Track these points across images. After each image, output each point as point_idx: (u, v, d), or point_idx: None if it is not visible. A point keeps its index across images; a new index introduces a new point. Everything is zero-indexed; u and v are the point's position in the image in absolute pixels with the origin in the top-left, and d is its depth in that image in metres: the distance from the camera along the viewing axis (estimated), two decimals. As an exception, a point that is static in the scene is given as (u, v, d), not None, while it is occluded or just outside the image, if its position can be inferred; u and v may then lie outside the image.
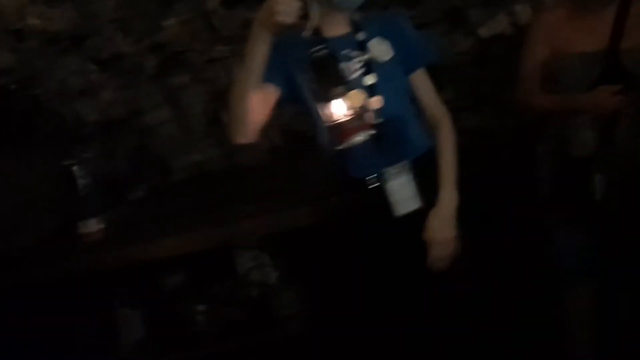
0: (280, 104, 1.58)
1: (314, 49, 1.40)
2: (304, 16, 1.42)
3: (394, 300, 1.61)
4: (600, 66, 1.85)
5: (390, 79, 1.59)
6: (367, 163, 1.57)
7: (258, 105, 1.49)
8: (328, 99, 1.41)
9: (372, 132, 1.43)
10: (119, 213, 2.22)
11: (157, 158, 2.70)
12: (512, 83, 2.08)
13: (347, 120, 1.41)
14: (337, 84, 1.41)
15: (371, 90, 1.56)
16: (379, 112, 1.56)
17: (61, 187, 1.97)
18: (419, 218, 1.59)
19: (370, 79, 1.56)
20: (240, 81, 1.47)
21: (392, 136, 1.57)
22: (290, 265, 2.23)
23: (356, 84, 1.55)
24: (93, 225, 2.11)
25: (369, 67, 1.57)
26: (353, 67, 1.57)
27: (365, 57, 1.57)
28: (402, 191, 1.57)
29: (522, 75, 2.04)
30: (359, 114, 1.41)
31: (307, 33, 1.42)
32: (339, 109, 1.41)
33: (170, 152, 2.74)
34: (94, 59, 2.62)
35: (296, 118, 2.72)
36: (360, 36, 1.60)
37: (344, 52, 1.57)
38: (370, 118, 1.54)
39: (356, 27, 1.61)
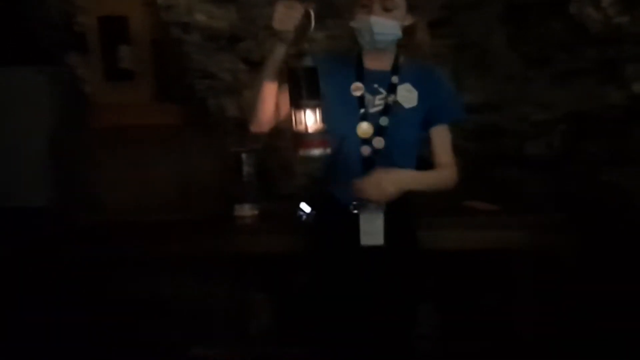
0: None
1: (301, 60, 1.46)
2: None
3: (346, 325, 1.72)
4: None
5: (403, 125, 1.70)
6: (351, 189, 1.67)
7: (270, 100, 1.61)
8: (302, 107, 1.48)
9: (328, 150, 1.51)
10: (271, 204, 2.37)
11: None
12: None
13: (309, 133, 1.48)
14: (313, 97, 1.48)
15: (380, 130, 1.68)
16: (378, 151, 1.69)
17: (227, 171, 2.14)
18: (380, 255, 1.70)
19: (384, 121, 1.68)
20: (257, 79, 1.61)
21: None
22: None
23: (371, 118, 1.68)
24: (248, 210, 2.26)
25: (388, 108, 1.69)
26: (375, 102, 1.70)
27: (390, 98, 1.69)
28: (371, 224, 1.68)
29: None
30: (323, 130, 1.49)
31: (301, 44, 1.49)
32: (307, 119, 1.48)
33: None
34: (245, 60, 2.79)
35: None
36: (395, 79, 1.72)
37: (374, 85, 1.71)
38: (365, 151, 1.69)
39: (394, 69, 1.73)
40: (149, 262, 2.02)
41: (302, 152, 1.49)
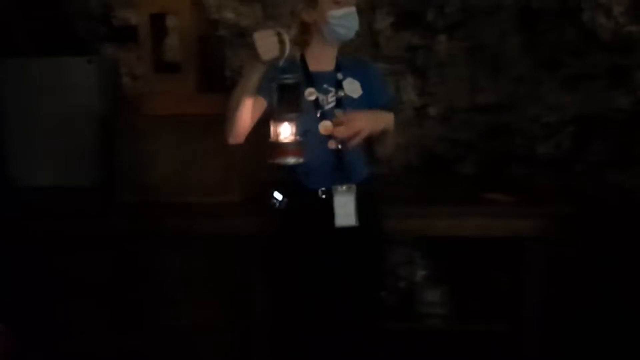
0: (267, 113, 1.78)
1: (285, 76, 1.59)
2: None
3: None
4: None
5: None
6: (320, 178, 1.84)
7: (248, 115, 1.75)
8: (281, 120, 1.63)
9: (301, 160, 1.65)
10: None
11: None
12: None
13: (285, 143, 1.63)
14: (292, 110, 1.61)
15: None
16: (342, 141, 1.80)
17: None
18: (352, 234, 1.85)
19: (339, 112, 1.83)
20: (237, 96, 1.71)
21: (345, 160, 1.84)
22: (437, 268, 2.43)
23: (328, 115, 1.83)
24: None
25: (340, 102, 1.85)
26: (328, 100, 1.86)
27: (340, 93, 1.85)
28: (344, 207, 1.83)
29: None
30: (297, 141, 1.63)
31: (282, 62, 1.60)
32: (285, 131, 1.63)
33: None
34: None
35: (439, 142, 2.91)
36: (339, 75, 1.88)
37: (324, 85, 1.86)
38: (331, 144, 1.83)
39: (338, 66, 1.89)
40: (187, 240, 2.17)
41: (277, 160, 1.64)
